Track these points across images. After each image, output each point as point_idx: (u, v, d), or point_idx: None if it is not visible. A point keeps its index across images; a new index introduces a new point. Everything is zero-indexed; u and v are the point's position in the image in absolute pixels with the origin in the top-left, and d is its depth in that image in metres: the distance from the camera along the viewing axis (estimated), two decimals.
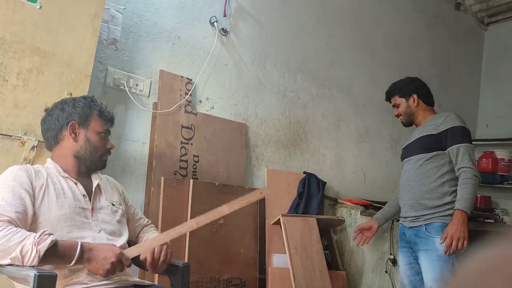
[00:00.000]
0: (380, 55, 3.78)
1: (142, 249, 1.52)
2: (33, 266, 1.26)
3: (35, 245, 1.25)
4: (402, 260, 2.34)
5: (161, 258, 1.54)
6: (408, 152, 2.39)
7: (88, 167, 1.62)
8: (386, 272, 2.69)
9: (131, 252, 1.46)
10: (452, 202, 2.13)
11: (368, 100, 3.65)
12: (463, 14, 4.69)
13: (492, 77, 4.68)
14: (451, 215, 2.10)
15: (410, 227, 2.26)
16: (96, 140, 1.61)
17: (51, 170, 1.56)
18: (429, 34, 4.27)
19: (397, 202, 2.48)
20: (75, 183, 1.57)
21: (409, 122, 2.42)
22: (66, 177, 1.56)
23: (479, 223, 3.31)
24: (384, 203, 3.14)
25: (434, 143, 2.23)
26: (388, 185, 3.73)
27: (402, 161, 2.46)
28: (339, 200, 3.14)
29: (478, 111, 4.72)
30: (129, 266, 1.43)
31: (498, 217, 3.65)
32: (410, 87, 2.41)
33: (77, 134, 1.59)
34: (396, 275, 2.66)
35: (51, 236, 1.30)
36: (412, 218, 2.25)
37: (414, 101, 2.37)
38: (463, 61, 4.64)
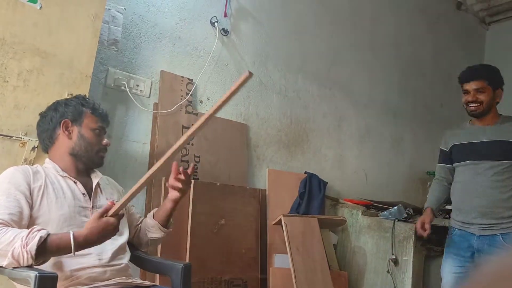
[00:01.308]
0: (381, 55, 3.78)
1: (123, 203, 1.38)
2: (30, 266, 1.25)
3: (24, 247, 1.23)
4: (450, 268, 2.19)
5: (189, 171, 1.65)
6: (477, 154, 2.17)
7: (85, 164, 1.62)
8: (388, 272, 2.68)
9: (116, 211, 1.36)
10: None
11: (370, 100, 3.64)
12: (464, 13, 4.68)
13: None
14: None
15: (481, 235, 2.10)
16: (91, 136, 1.62)
17: (50, 170, 1.55)
18: (430, 34, 4.26)
19: (445, 188, 2.34)
20: (74, 182, 1.57)
21: (483, 113, 2.18)
22: (65, 176, 1.56)
23: None
24: (385, 203, 3.13)
25: None
26: (390, 185, 3.72)
27: (460, 160, 2.24)
28: (341, 200, 3.14)
29: None
30: (119, 218, 1.38)
31: None
32: (499, 80, 2.22)
33: (70, 131, 1.61)
34: (398, 275, 2.65)
35: (39, 232, 1.26)
36: (484, 226, 2.10)
37: (499, 95, 2.20)
38: (465, 61, 4.62)
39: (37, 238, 1.25)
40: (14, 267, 1.26)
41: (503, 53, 4.61)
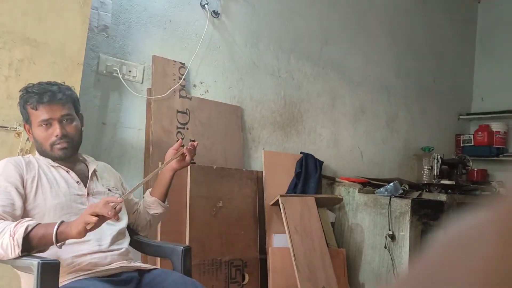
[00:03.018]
0: (374, 32, 3.76)
1: (134, 190, 1.52)
2: (18, 257, 1.26)
3: (11, 236, 1.25)
4: None
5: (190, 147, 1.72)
6: None
7: (57, 158, 1.57)
8: (385, 247, 2.73)
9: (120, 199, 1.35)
10: None
11: (363, 78, 3.64)
12: None
13: (486, 50, 4.67)
14: None
15: None
16: (38, 133, 1.54)
17: (42, 161, 1.56)
18: (422, 9, 4.24)
19: None
20: (67, 171, 1.57)
21: None
22: (57, 166, 1.57)
23: (476, 196, 3.35)
24: (381, 180, 3.16)
25: None
26: (385, 162, 3.75)
27: None
28: (337, 179, 3.16)
29: (473, 85, 4.72)
30: (118, 211, 1.32)
31: (494, 189, 3.70)
32: None
33: (31, 134, 1.58)
34: (395, 250, 2.69)
35: (27, 222, 1.28)
36: None
37: None
38: (457, 35, 4.62)
39: (23, 228, 1.26)
40: (4, 259, 1.27)
41: (496, 26, 4.60)
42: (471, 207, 0.25)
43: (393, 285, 0.28)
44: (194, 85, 2.64)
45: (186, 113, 2.52)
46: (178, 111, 2.49)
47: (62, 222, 1.30)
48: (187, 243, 2.25)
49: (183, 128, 2.49)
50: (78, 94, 1.77)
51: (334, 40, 3.44)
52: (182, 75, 2.53)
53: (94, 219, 1.25)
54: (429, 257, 0.26)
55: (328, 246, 2.68)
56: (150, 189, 1.86)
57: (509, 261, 0.22)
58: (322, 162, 3.08)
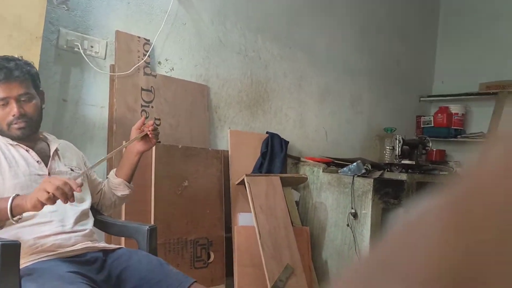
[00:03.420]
0: (340, 14, 3.77)
1: (95, 166, 1.58)
2: None
3: None
4: None
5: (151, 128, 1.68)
6: None
7: (15, 138, 1.52)
8: (348, 225, 2.80)
9: (77, 179, 1.37)
10: None
11: (330, 58, 3.66)
12: None
13: (448, 35, 4.77)
14: None
15: None
16: None
17: (0, 140, 1.50)
18: None
19: None
20: (27, 150, 1.52)
21: None
22: (16, 144, 1.51)
23: (434, 176, 3.47)
24: (345, 160, 3.22)
25: None
26: (349, 142, 3.82)
27: None
28: (302, 159, 3.20)
29: (435, 68, 4.83)
30: (79, 188, 1.30)
31: (452, 169, 3.84)
32: None
33: None
34: (357, 228, 2.77)
35: None
36: None
37: None
38: (421, 19, 4.70)
39: None
40: None
41: (457, 12, 4.70)
42: (430, 188, 0.22)
43: (343, 277, 0.26)
44: (159, 62, 2.58)
45: (151, 91, 2.47)
46: (142, 89, 2.43)
47: (17, 195, 1.27)
48: (152, 222, 2.24)
49: (148, 106, 2.44)
50: (37, 70, 1.69)
51: (301, 20, 3.43)
52: (147, 51, 2.47)
53: (51, 200, 1.24)
54: (383, 246, 0.23)
55: (292, 225, 2.72)
56: (114, 169, 1.82)
57: (468, 251, 0.18)
58: (288, 142, 3.11)
